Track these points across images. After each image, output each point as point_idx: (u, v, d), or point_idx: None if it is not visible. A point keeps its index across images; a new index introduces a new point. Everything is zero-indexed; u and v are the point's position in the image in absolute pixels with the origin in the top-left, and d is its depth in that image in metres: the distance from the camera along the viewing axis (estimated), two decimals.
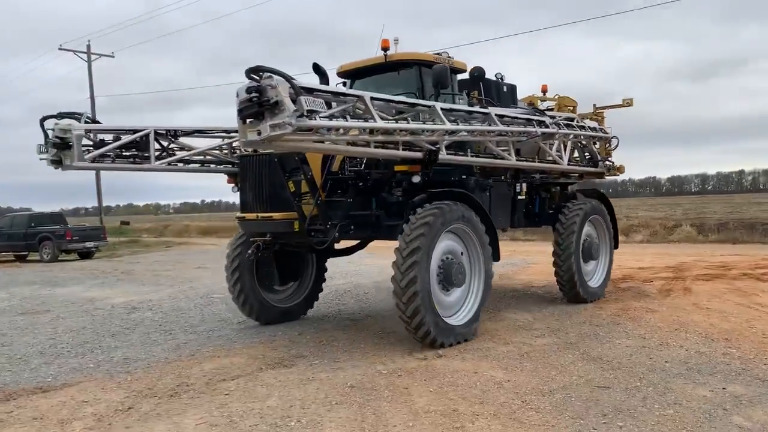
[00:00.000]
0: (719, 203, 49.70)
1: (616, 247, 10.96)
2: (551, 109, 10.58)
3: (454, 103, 8.37)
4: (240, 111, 5.60)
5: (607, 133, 10.76)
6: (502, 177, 9.23)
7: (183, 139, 8.37)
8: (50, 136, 7.59)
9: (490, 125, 7.77)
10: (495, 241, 7.98)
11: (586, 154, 10.67)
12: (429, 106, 7.00)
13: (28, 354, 7.82)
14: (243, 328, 8.92)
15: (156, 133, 7.95)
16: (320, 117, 5.67)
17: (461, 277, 7.59)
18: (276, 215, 7.76)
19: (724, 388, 5.54)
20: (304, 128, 5.51)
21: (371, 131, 6.34)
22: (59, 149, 7.52)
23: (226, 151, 8.94)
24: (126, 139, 7.80)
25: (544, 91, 11.04)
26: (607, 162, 10.86)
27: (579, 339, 7.56)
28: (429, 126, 6.82)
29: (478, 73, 9.07)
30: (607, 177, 11.26)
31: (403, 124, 6.59)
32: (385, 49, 8.13)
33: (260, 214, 7.87)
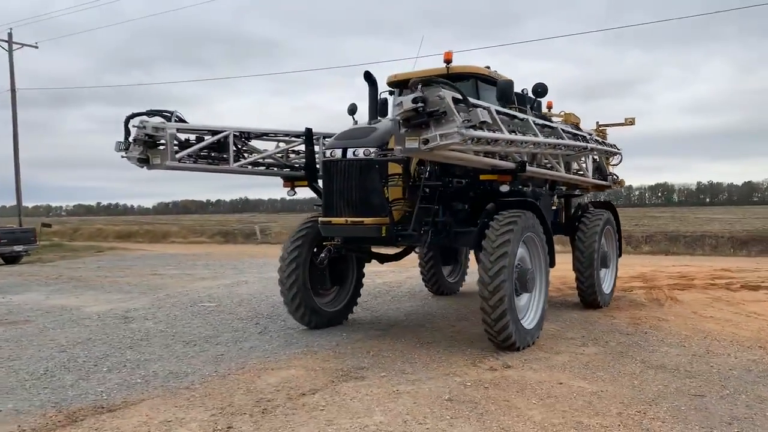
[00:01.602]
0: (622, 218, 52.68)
1: (619, 255, 11.38)
2: None
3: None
4: (406, 120, 5.73)
5: (619, 149, 11.17)
6: (544, 189, 9.42)
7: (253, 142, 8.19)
8: (137, 134, 7.17)
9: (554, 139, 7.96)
10: (552, 248, 8.15)
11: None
12: (522, 119, 7.10)
13: (49, 369, 7.07)
14: (269, 338, 8.49)
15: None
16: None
17: (531, 283, 7.74)
18: (367, 220, 7.65)
19: None
20: (468, 138, 5.52)
21: (494, 142, 6.44)
22: (148, 147, 7.15)
23: (280, 155, 8.74)
24: (210, 139, 7.57)
25: (549, 107, 11.29)
26: (612, 176, 11.27)
27: (625, 348, 7.74)
28: (551, 140, 7.20)
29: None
30: (613, 189, 11.69)
31: (532, 137, 6.83)
32: (448, 61, 8.27)
33: (350, 219, 7.73)
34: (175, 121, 7.68)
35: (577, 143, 8.61)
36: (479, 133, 5.81)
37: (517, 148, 6.94)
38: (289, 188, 9.12)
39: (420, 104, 5.65)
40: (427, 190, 8.01)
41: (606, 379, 6.39)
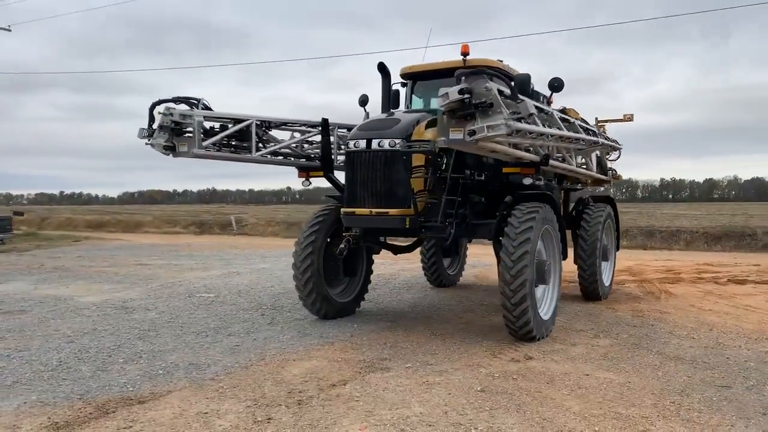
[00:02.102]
0: None
1: (617, 249, 11.55)
2: None
3: None
4: (451, 111, 5.73)
5: (620, 145, 11.31)
6: (554, 182, 9.49)
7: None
8: (162, 121, 6.99)
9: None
10: (565, 242, 8.23)
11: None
12: (549, 113, 7.13)
13: (63, 360, 6.87)
14: (281, 329, 8.39)
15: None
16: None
17: (548, 275, 7.82)
18: (392, 211, 7.64)
19: None
20: (514, 130, 5.53)
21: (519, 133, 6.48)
22: (175, 135, 6.99)
23: (295, 145, 8.63)
24: (234, 128, 7.46)
25: (550, 102, 11.37)
26: (611, 170, 11.41)
27: (637, 340, 7.85)
28: (573, 134, 7.36)
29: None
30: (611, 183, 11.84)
31: (557, 131, 6.88)
32: (465, 54, 8.30)
33: (374, 210, 7.71)
34: (201, 108, 7.55)
35: (591, 138, 8.71)
36: (523, 125, 5.84)
37: (542, 141, 6.97)
38: (304, 178, 9.04)
39: (466, 95, 5.67)
40: (451, 182, 8.03)
41: (629, 371, 6.47)
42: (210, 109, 7.74)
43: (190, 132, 7.40)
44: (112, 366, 6.66)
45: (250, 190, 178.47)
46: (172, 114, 7.24)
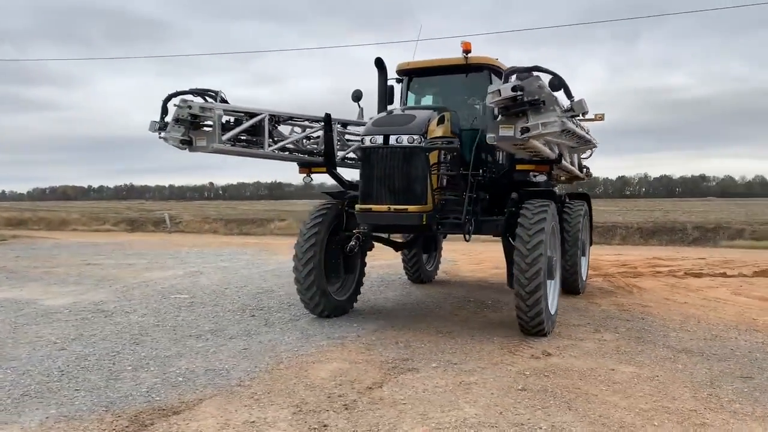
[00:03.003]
0: None
1: (591, 244, 11.89)
2: None
3: None
4: (505, 108, 5.75)
5: (596, 143, 11.58)
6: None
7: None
8: (179, 114, 6.52)
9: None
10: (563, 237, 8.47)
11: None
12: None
13: (64, 370, 6.33)
14: (281, 331, 8.07)
15: None
16: None
17: (554, 269, 7.92)
18: (411, 208, 7.52)
19: None
20: (566, 128, 5.54)
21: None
22: (192, 128, 6.54)
23: (299, 141, 8.40)
24: (250, 122, 7.13)
25: None
26: (585, 168, 11.70)
27: (639, 333, 8.04)
28: (583, 134, 7.32)
29: None
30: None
31: (582, 132, 7.00)
32: (467, 51, 8.34)
33: (393, 207, 7.54)
34: (219, 101, 7.17)
35: (587, 136, 8.91)
36: (571, 123, 5.89)
37: (562, 139, 7.04)
38: (305, 174, 8.80)
39: (519, 93, 5.63)
40: (471, 179, 8.06)
41: (649, 365, 6.61)
42: (227, 102, 7.38)
43: (207, 126, 7.03)
44: (121, 374, 6.22)
45: (171, 186, 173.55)
46: (190, 107, 6.84)
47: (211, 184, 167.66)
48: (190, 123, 6.97)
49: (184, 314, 9.21)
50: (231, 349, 7.23)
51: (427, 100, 9.59)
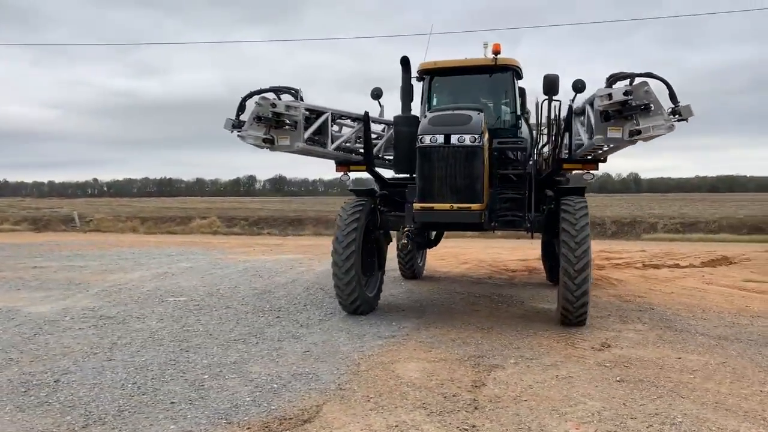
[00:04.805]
0: None
1: None
2: None
3: None
4: (618, 111, 6.15)
5: None
6: None
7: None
8: (262, 112, 6.22)
9: None
10: None
11: None
12: None
13: (138, 382, 5.79)
14: (322, 331, 7.83)
15: None
16: None
17: None
18: (474, 206, 7.68)
19: None
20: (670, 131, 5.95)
21: None
22: (275, 127, 6.26)
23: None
24: (320, 120, 7.02)
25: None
26: None
27: (663, 322, 8.46)
28: None
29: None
30: None
31: None
32: (497, 52, 8.67)
33: (456, 205, 7.61)
34: (300, 100, 6.90)
35: None
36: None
37: None
38: (343, 173, 8.69)
39: (630, 97, 6.01)
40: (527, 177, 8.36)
41: (705, 352, 6.98)
42: (303, 100, 7.14)
43: (288, 125, 6.77)
44: (204, 384, 5.81)
45: (51, 182, 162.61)
46: (275, 105, 6.55)
47: (96, 180, 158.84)
48: (275, 122, 6.72)
49: (204, 318, 8.71)
50: (291, 352, 6.93)
51: (435, 102, 9.64)
